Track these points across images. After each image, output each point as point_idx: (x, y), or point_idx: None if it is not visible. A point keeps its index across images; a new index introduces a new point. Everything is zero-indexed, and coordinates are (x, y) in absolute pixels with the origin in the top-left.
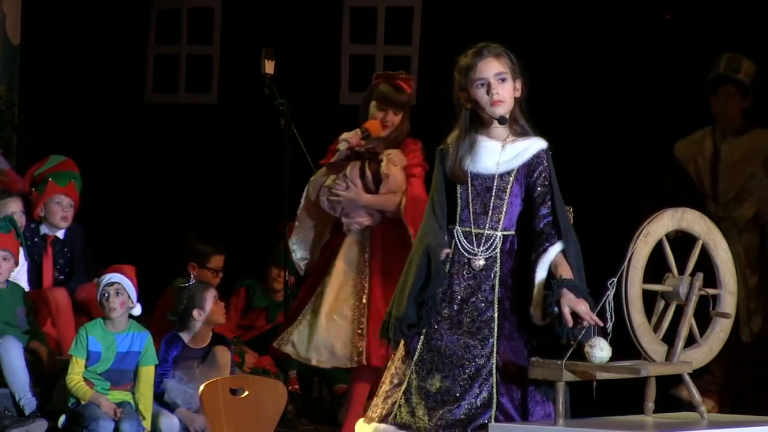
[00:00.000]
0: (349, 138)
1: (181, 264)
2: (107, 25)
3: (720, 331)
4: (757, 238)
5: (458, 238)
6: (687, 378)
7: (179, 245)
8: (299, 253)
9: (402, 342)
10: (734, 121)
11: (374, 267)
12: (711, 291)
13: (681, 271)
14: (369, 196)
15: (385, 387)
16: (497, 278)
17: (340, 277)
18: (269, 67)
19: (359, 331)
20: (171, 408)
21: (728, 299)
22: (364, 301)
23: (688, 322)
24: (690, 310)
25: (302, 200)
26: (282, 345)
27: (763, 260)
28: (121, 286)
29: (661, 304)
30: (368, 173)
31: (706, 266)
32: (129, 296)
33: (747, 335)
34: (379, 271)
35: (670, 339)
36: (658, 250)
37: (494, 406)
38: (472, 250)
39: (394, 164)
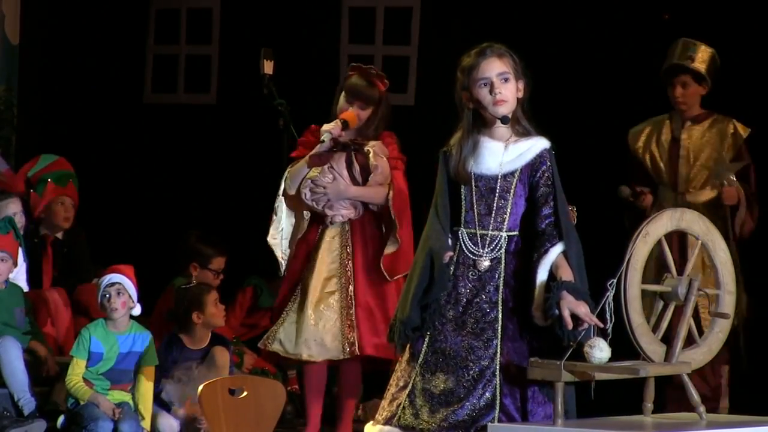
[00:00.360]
0: (331, 129)
1: (183, 264)
2: (106, 25)
3: (719, 332)
4: (719, 224)
5: (463, 240)
6: (686, 378)
7: (181, 245)
8: (281, 248)
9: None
10: (692, 110)
11: (357, 259)
12: (710, 291)
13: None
14: (357, 188)
15: (391, 390)
16: (501, 279)
17: (323, 270)
18: (268, 67)
19: (348, 323)
20: (168, 408)
21: (727, 299)
22: (350, 291)
23: (687, 322)
24: (689, 310)
25: (279, 194)
26: (268, 344)
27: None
28: (122, 286)
29: (660, 304)
30: (356, 165)
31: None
32: (130, 296)
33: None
34: (362, 262)
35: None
36: None
37: (497, 407)
38: (476, 251)
39: (380, 156)
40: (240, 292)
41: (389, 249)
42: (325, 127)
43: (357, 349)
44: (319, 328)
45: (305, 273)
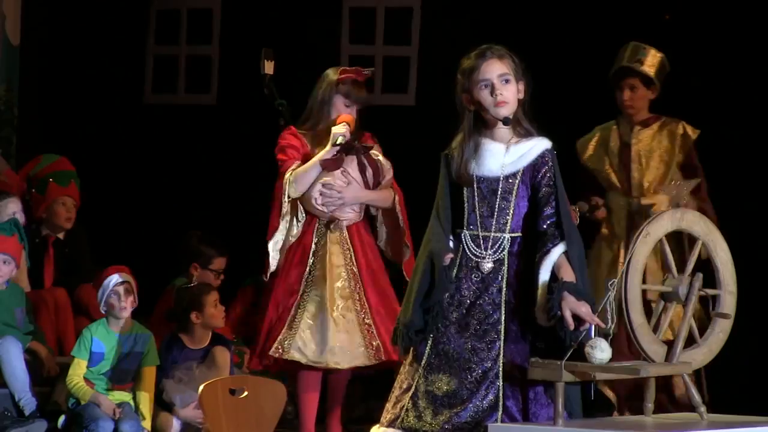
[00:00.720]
0: (345, 133)
1: (184, 264)
2: (107, 25)
3: (719, 332)
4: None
5: (465, 242)
6: (687, 378)
7: (182, 246)
8: (277, 255)
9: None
10: (640, 114)
11: (360, 263)
12: (710, 291)
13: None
14: (370, 192)
15: (395, 392)
16: (504, 280)
17: (334, 276)
18: (269, 67)
19: (367, 328)
20: (169, 408)
21: (728, 300)
22: (361, 296)
23: (688, 322)
24: (689, 310)
25: (285, 201)
26: (284, 353)
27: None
28: (130, 285)
29: (661, 304)
30: (369, 168)
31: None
32: (134, 295)
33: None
34: (365, 266)
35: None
36: None
37: (500, 409)
38: (479, 253)
39: (385, 158)
40: (240, 292)
41: (405, 256)
42: (338, 130)
43: (383, 354)
44: (343, 336)
45: (312, 279)
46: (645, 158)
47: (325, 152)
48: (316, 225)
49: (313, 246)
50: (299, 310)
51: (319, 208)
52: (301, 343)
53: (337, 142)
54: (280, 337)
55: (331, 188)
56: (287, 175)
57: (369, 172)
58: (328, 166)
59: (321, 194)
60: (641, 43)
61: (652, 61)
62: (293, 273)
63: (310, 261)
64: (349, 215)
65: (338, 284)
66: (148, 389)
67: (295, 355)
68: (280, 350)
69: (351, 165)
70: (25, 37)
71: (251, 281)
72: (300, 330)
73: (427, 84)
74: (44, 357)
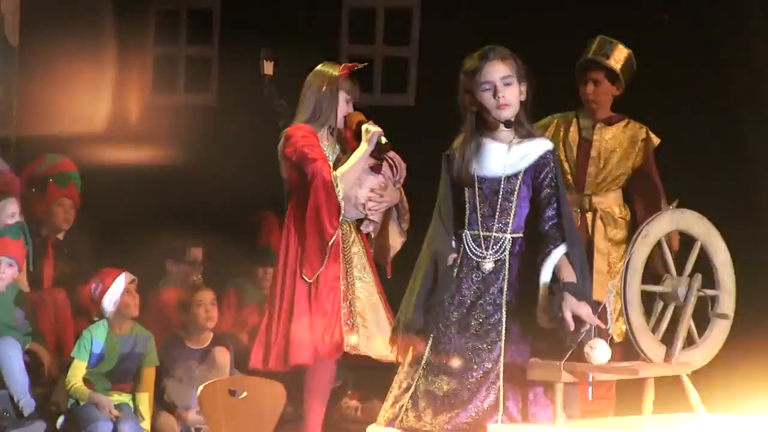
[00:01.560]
0: (381, 131)
1: (160, 262)
2: (107, 25)
3: (719, 332)
4: (624, 233)
5: (467, 242)
6: (686, 378)
7: (155, 244)
8: None
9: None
10: (603, 110)
11: (372, 264)
12: (709, 292)
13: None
14: (399, 191)
15: (394, 391)
16: (505, 281)
17: (371, 275)
18: (268, 67)
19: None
20: (170, 408)
21: (726, 300)
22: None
23: (687, 323)
24: (688, 311)
25: (342, 202)
26: (354, 348)
27: None
28: (135, 283)
29: (660, 305)
30: (394, 168)
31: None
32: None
33: (618, 334)
34: (375, 271)
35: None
36: None
37: (500, 410)
38: (480, 253)
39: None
40: (224, 296)
41: (397, 244)
42: (375, 128)
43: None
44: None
45: (351, 276)
46: (604, 157)
47: (366, 151)
48: (339, 224)
49: (342, 245)
50: (351, 307)
51: (363, 212)
52: (365, 339)
53: (384, 141)
54: (345, 333)
55: (379, 193)
56: (334, 176)
57: (395, 170)
58: (376, 167)
59: (370, 199)
60: (608, 37)
61: (618, 56)
62: (331, 271)
63: (341, 258)
64: (377, 218)
65: (373, 282)
66: (148, 390)
67: (366, 351)
68: (350, 347)
69: (384, 166)
70: (25, 36)
71: (231, 283)
72: (358, 326)
73: (427, 84)
74: (43, 358)
